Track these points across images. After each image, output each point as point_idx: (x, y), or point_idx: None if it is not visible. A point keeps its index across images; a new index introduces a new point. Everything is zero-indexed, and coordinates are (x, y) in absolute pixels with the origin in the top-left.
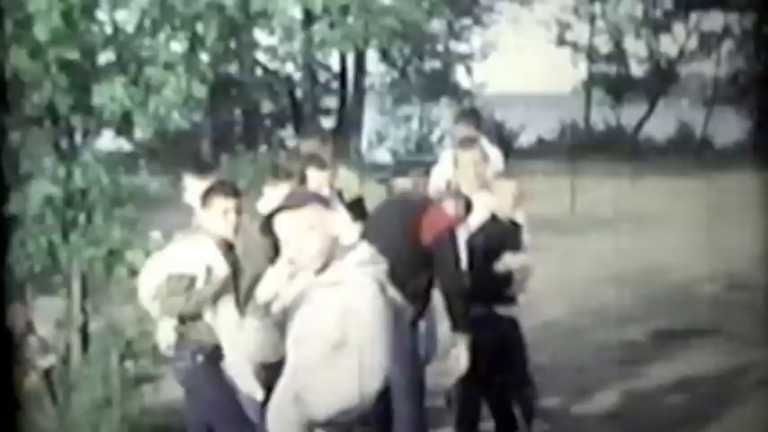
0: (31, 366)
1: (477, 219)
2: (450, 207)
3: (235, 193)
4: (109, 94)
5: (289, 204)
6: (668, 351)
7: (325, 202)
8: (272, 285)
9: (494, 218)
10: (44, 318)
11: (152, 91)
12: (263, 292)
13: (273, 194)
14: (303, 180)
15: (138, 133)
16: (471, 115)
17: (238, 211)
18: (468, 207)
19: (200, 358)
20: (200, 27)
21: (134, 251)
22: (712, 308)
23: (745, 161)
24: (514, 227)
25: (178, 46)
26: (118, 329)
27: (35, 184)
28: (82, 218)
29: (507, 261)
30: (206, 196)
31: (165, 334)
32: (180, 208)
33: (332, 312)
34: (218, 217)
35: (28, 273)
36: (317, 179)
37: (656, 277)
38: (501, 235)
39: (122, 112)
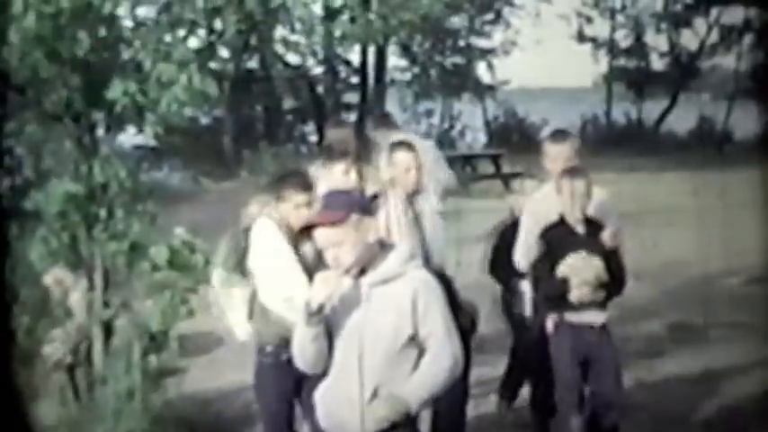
0: (54, 361)
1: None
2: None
3: (307, 186)
4: (122, 89)
5: (322, 222)
6: (687, 344)
7: (362, 209)
8: (324, 290)
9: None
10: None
11: (163, 87)
12: (315, 297)
13: (326, 177)
14: (359, 158)
15: (149, 130)
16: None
17: (309, 205)
18: None
19: (284, 356)
20: (218, 22)
21: (157, 247)
22: (732, 302)
23: (766, 154)
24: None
25: (196, 42)
26: (141, 323)
27: (56, 182)
28: (103, 213)
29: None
30: (280, 189)
31: (239, 321)
32: (203, 203)
33: (396, 309)
34: (290, 210)
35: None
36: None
37: (676, 271)
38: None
39: (136, 108)
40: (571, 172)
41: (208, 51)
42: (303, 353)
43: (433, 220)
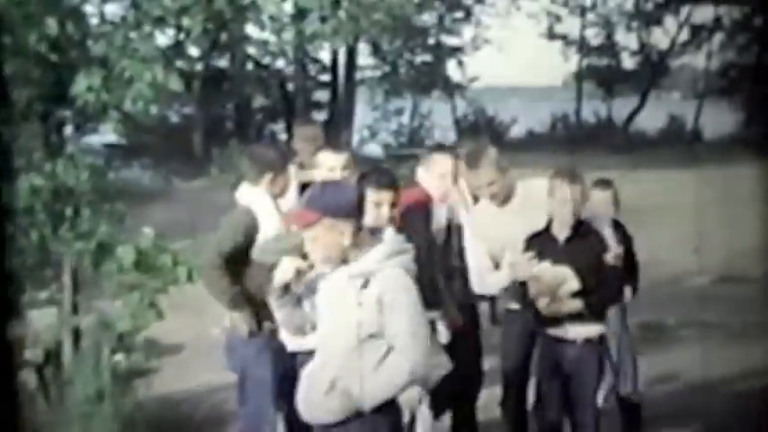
0: (24, 362)
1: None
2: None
3: (391, 185)
4: (86, 85)
5: (295, 223)
6: (657, 344)
7: (339, 212)
8: (284, 274)
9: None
10: (36, 313)
11: (127, 84)
12: (277, 278)
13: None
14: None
15: (113, 127)
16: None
17: (393, 205)
18: None
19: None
20: (186, 20)
21: (124, 247)
22: (702, 301)
23: (736, 153)
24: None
25: (164, 39)
26: (109, 324)
27: (24, 177)
28: (69, 211)
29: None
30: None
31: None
32: (174, 202)
33: (365, 306)
34: (370, 207)
35: (20, 267)
36: (331, 161)
37: (647, 270)
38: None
39: (101, 104)
40: (565, 174)
41: (175, 49)
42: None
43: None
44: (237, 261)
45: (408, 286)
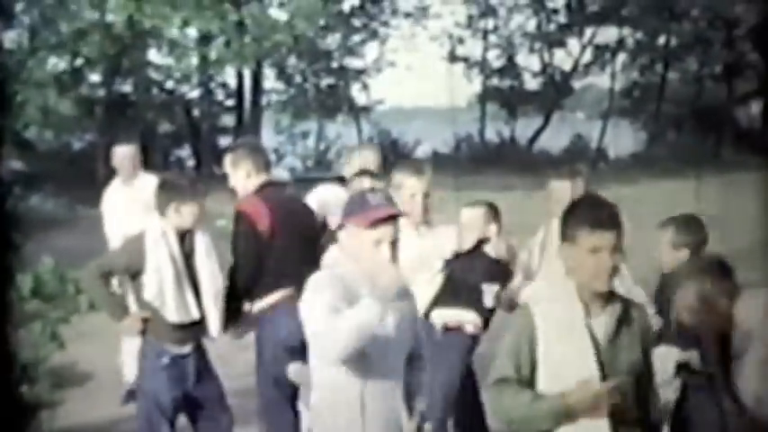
0: None
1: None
2: None
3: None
4: None
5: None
6: None
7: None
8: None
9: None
10: None
11: (16, 108)
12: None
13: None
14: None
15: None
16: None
17: (426, 195)
18: None
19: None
20: (83, 46)
21: (23, 276)
22: None
23: (640, 172)
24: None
25: (64, 64)
26: (12, 354)
27: None
28: None
29: None
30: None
31: None
32: (77, 229)
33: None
34: (406, 198)
35: None
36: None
37: None
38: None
39: None
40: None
41: (74, 75)
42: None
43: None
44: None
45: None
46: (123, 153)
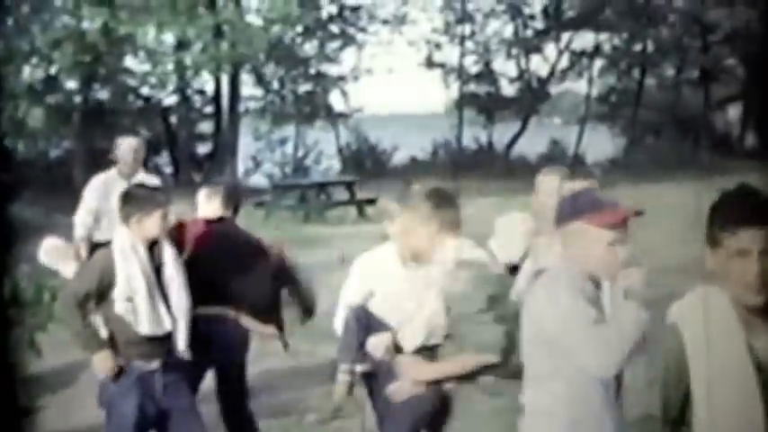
0: None
1: None
2: None
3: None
4: None
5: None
6: None
7: None
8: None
9: None
10: None
11: None
12: None
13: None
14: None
15: None
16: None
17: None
18: None
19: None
20: (57, 54)
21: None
22: None
23: (618, 177)
24: None
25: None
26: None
27: None
28: None
29: None
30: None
31: None
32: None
33: None
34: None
35: None
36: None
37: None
38: None
39: None
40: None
41: (49, 83)
42: None
43: None
44: (97, 302)
45: None
46: (130, 145)
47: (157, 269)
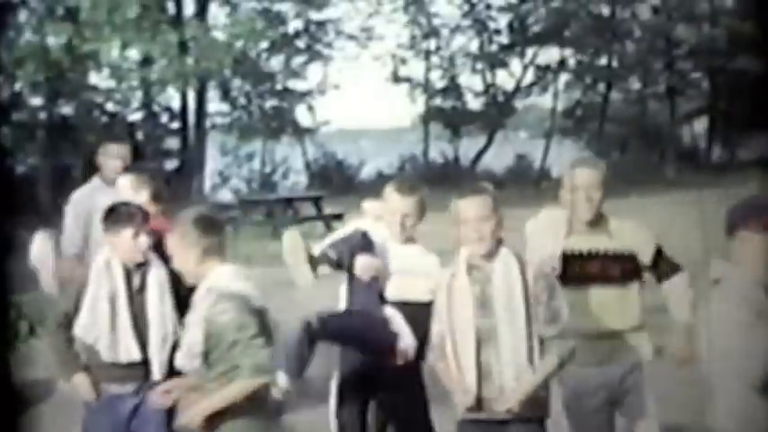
0: None
1: None
2: None
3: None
4: None
5: None
6: None
7: None
8: None
9: None
10: None
11: None
12: None
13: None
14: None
15: None
16: None
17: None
18: None
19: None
20: (20, 72)
21: None
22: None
23: None
24: None
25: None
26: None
27: None
28: None
29: None
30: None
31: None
32: (18, 254)
33: None
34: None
35: None
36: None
37: None
38: None
39: None
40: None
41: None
42: None
43: None
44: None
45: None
46: (116, 151)
47: (140, 291)
